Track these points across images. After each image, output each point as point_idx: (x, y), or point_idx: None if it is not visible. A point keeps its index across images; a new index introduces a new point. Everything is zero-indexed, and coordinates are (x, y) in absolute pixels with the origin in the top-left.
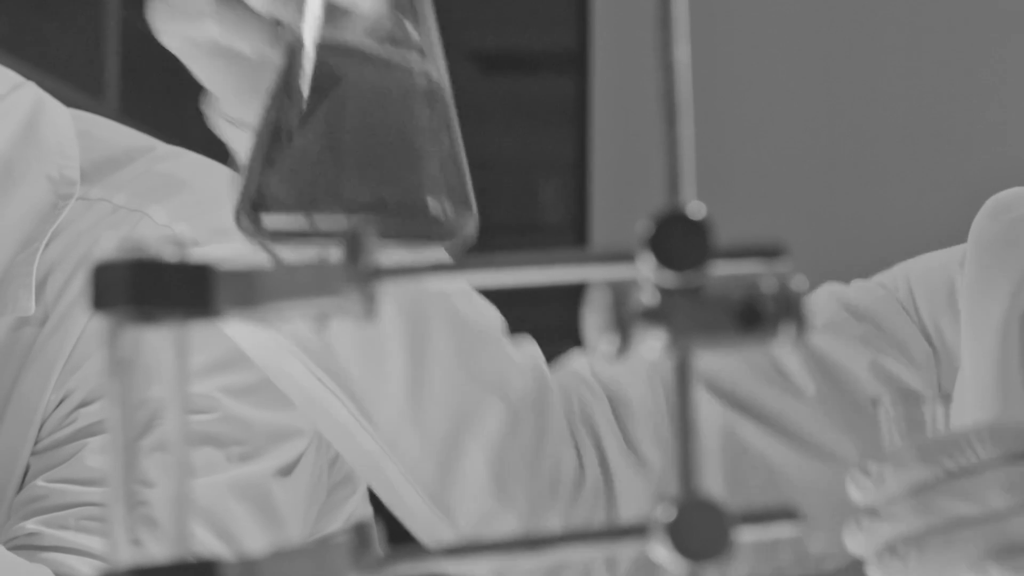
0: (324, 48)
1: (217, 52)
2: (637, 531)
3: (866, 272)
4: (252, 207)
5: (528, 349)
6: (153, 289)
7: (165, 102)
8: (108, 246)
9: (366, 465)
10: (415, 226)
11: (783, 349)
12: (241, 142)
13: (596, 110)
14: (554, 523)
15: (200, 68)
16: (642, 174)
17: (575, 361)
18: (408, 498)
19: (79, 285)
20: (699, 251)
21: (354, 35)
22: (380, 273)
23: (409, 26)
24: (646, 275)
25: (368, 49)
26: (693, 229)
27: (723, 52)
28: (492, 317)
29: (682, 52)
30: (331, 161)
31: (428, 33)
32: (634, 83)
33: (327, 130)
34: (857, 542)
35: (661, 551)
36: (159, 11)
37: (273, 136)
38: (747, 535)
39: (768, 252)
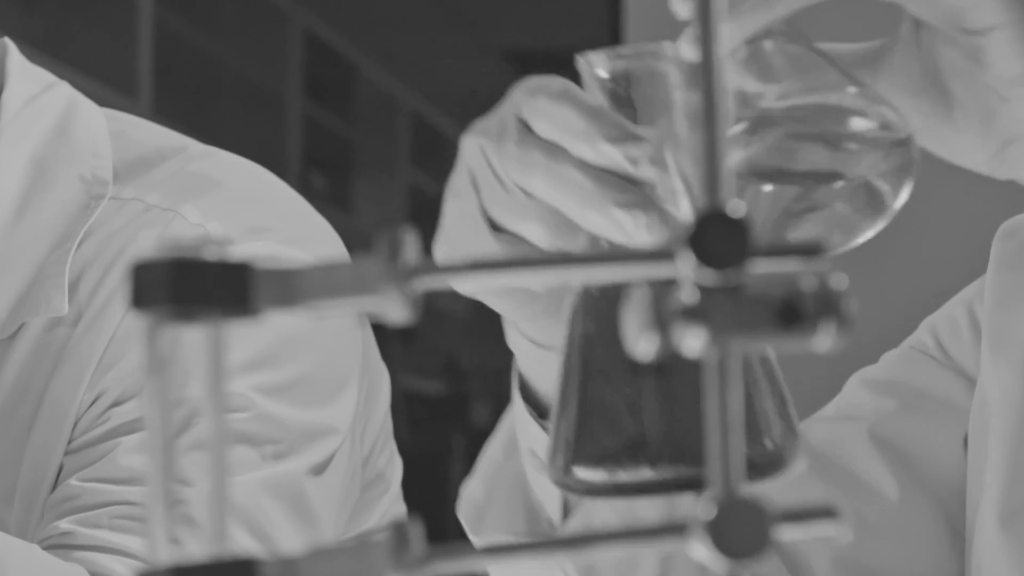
0: (621, 285)
1: (504, 289)
2: (677, 530)
3: (904, 268)
4: (563, 461)
5: None
6: (192, 288)
7: (198, 101)
8: (142, 245)
9: None
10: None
11: (856, 453)
12: (537, 363)
13: None
14: None
15: (492, 302)
16: None
17: None
18: None
19: (112, 285)
20: (739, 249)
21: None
22: (419, 272)
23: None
24: (686, 273)
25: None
26: (733, 227)
27: None
28: None
29: (720, 50)
30: (643, 414)
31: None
32: None
33: (635, 377)
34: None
35: (701, 549)
36: (442, 254)
37: (578, 383)
38: (788, 534)
39: (808, 250)
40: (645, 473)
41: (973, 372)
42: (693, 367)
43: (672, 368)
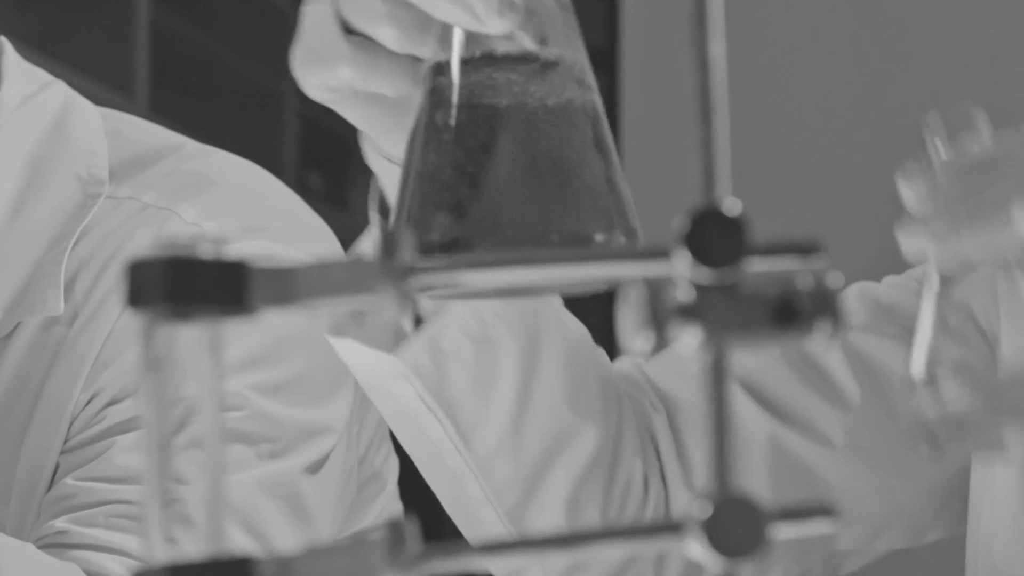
0: (464, 82)
1: (357, 96)
2: (673, 528)
3: (900, 269)
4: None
5: (604, 360)
6: (188, 286)
7: (194, 100)
8: (138, 244)
9: (446, 484)
10: None
11: (826, 352)
12: (395, 179)
13: (626, 108)
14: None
15: (346, 112)
16: (672, 171)
17: (625, 365)
18: (485, 520)
19: (108, 284)
20: (735, 248)
21: (495, 64)
22: (415, 270)
23: (556, 42)
24: (682, 272)
25: (515, 80)
26: (729, 225)
27: (755, 49)
28: (585, 335)
29: (717, 49)
30: (482, 202)
31: (578, 48)
32: (664, 80)
33: (475, 169)
34: (911, 240)
35: (697, 548)
36: (298, 60)
37: (418, 179)
38: (783, 532)
39: (804, 249)
40: None
41: (976, 314)
42: (523, 169)
43: (499, 166)
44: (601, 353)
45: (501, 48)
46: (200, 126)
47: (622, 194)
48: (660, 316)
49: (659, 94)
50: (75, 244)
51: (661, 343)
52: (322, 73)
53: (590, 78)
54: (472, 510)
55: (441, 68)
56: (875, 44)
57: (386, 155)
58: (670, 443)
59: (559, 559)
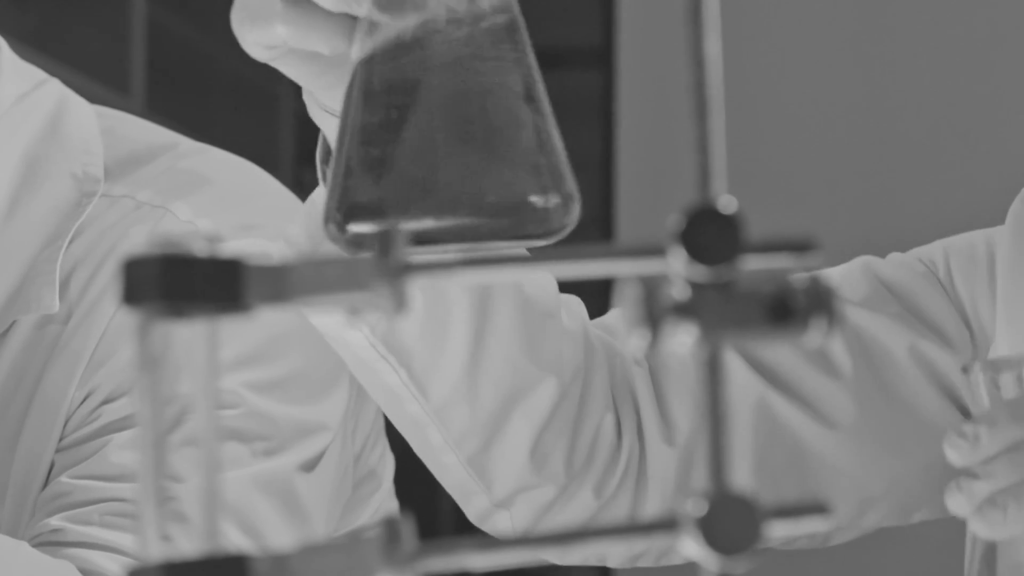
0: (400, 42)
1: (295, 54)
2: (667, 525)
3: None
4: (340, 217)
5: (577, 312)
6: (184, 284)
7: (190, 98)
8: (133, 242)
9: (410, 430)
10: (517, 224)
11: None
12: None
13: (622, 106)
14: (587, 493)
15: (285, 69)
16: (668, 169)
17: (612, 318)
18: (449, 465)
19: (103, 282)
20: (730, 245)
21: (431, 26)
22: (410, 268)
23: (491, 10)
24: (677, 270)
25: (449, 39)
26: (724, 223)
27: (750, 46)
28: (550, 288)
29: (713, 46)
30: (418, 164)
31: (512, 9)
32: (660, 78)
33: (411, 130)
34: (957, 502)
35: (692, 546)
36: (237, 19)
37: (354, 140)
38: (777, 529)
39: (799, 246)
40: (426, 223)
41: (971, 318)
42: (456, 131)
43: (431, 126)
44: (574, 304)
45: (433, 7)
46: (196, 124)
47: (558, 158)
48: (656, 314)
49: (655, 92)
50: (70, 242)
51: (656, 341)
52: (258, 31)
53: (524, 38)
54: (436, 456)
55: (374, 27)
56: (871, 41)
57: (328, 109)
58: (650, 398)
59: (555, 556)
